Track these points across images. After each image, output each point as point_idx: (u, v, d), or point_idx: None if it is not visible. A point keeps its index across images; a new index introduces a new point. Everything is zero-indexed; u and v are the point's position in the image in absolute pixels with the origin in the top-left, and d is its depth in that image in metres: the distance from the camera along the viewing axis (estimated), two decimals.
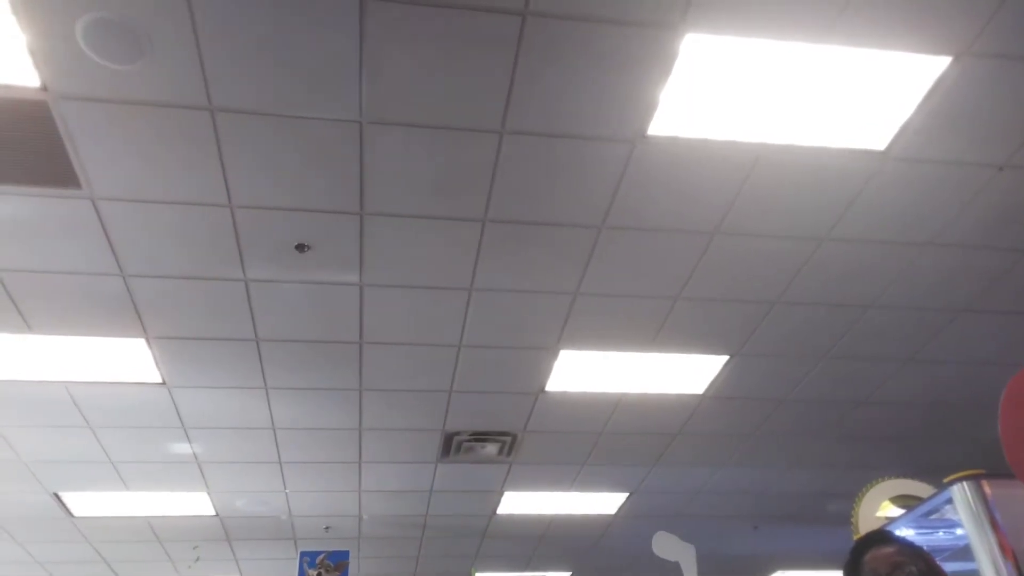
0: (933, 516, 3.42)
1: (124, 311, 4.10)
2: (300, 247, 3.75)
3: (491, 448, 5.87)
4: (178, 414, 5.12)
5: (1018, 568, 2.83)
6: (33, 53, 2.72)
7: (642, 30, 2.80)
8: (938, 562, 2.09)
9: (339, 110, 3.05)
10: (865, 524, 4.21)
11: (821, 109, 3.16)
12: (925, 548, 2.17)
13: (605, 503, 7.07)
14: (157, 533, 7.11)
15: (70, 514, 6.54)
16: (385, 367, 4.79)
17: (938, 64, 3.00)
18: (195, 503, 6.53)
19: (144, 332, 4.29)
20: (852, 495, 4.43)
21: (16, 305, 4.00)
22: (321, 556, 7.15)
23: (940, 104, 3.17)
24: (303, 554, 7.17)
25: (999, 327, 4.74)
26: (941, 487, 3.24)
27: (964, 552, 3.24)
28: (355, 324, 4.35)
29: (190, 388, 4.86)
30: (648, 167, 3.41)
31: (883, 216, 3.79)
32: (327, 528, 7.25)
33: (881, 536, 2.23)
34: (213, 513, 6.75)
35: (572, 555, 8.27)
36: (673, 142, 3.29)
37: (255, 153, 3.22)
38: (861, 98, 3.11)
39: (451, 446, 5.83)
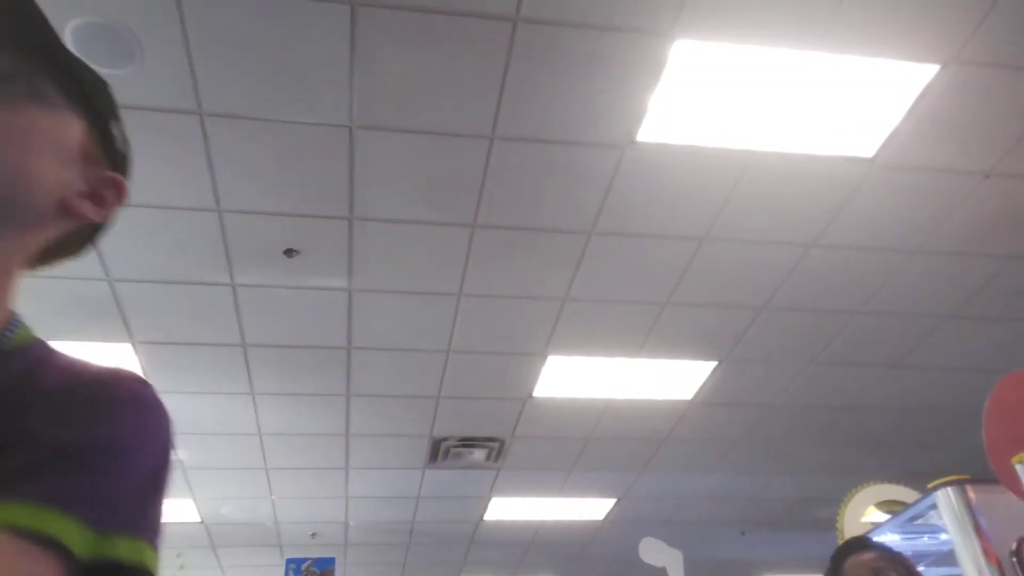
0: (918, 521, 3.44)
1: (110, 316, 4.06)
2: (289, 252, 3.73)
3: (479, 454, 5.86)
4: None
5: (1002, 573, 2.85)
6: None
7: (632, 36, 2.81)
8: (919, 568, 2.11)
9: (329, 115, 3.04)
10: (850, 529, 4.23)
11: (810, 116, 3.18)
12: (908, 553, 2.20)
13: (593, 509, 7.06)
14: None
15: None
16: (373, 372, 4.77)
17: (926, 72, 3.03)
18: (179, 509, 6.46)
19: (130, 337, 4.25)
20: (838, 500, 4.45)
21: None
22: (307, 563, 7.11)
23: (928, 112, 3.20)
24: (289, 561, 7.13)
25: (985, 334, 4.78)
26: (926, 492, 3.26)
27: (948, 557, 3.26)
28: (343, 329, 4.33)
29: (176, 393, 4.82)
30: (637, 173, 3.42)
31: (871, 223, 3.81)
32: (313, 535, 7.20)
33: (861, 542, 2.26)
34: (198, 520, 6.69)
35: (560, 561, 8.25)
36: (662, 148, 3.30)
37: (244, 157, 3.20)
38: (849, 105, 3.14)
39: (439, 452, 5.81)
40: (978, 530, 2.96)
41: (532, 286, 4.10)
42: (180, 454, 5.56)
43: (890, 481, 4.59)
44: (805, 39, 2.86)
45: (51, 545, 0.57)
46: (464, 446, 5.76)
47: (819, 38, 2.86)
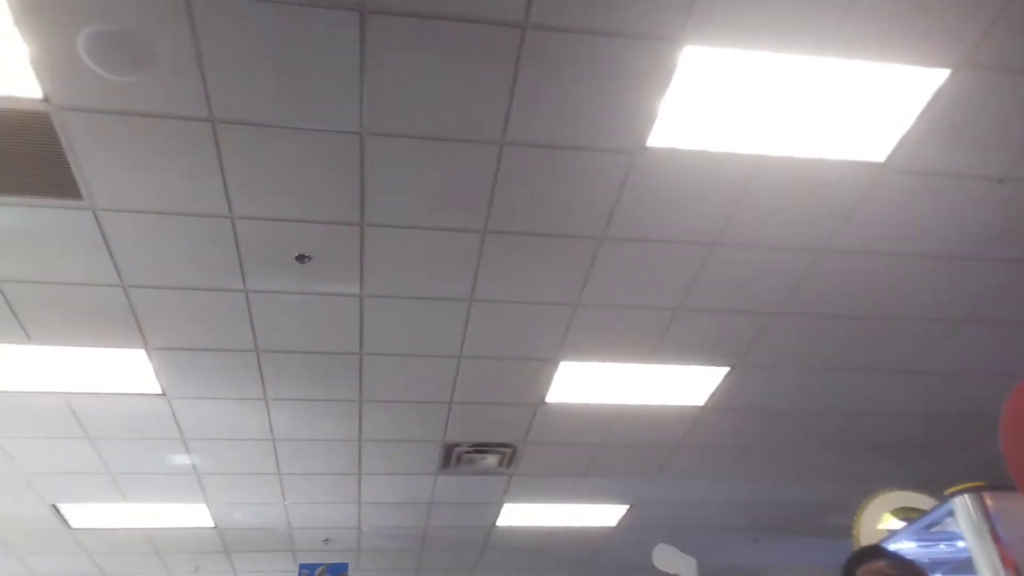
0: (935, 529, 3.41)
1: (124, 322, 4.10)
2: (300, 258, 3.76)
3: (491, 459, 5.86)
4: (177, 425, 5.12)
5: None
6: (35, 64, 2.73)
7: (641, 42, 2.81)
8: None
9: (340, 121, 3.06)
10: (866, 536, 4.19)
11: (820, 121, 3.17)
12: (925, 561, 2.18)
13: (606, 515, 7.05)
14: (155, 545, 7.09)
15: (68, 526, 6.52)
16: (385, 378, 4.78)
17: (937, 76, 3.01)
18: (194, 515, 6.51)
19: (144, 343, 4.29)
20: (853, 507, 4.41)
21: (16, 315, 3.99)
22: (320, 568, 7.14)
23: (939, 116, 3.18)
24: (302, 567, 7.16)
25: (999, 338, 4.74)
26: (943, 499, 3.23)
27: (966, 565, 3.22)
28: (355, 335, 4.35)
29: (189, 399, 4.85)
30: (648, 178, 3.42)
31: (883, 228, 3.79)
32: (326, 540, 7.22)
33: (873, 550, 2.26)
34: (212, 525, 6.73)
35: (572, 567, 8.23)
36: (673, 153, 3.30)
37: (256, 164, 3.23)
38: (860, 110, 3.12)
39: (451, 457, 5.81)
40: (995, 537, 2.93)
41: (543, 291, 4.10)
42: (194, 459, 5.59)
43: (906, 488, 4.55)
44: (814, 44, 2.85)
45: None
46: (476, 452, 5.77)
47: (828, 43, 2.85)
